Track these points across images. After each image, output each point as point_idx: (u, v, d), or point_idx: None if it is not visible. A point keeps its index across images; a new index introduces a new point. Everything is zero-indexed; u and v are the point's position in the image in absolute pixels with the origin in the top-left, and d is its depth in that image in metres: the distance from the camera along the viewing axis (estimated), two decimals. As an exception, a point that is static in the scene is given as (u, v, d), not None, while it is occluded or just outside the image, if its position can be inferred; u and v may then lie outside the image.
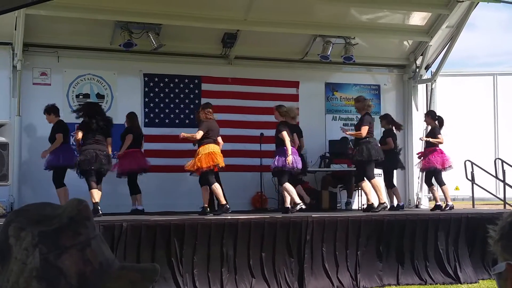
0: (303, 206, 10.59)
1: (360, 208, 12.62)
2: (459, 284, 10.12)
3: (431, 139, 11.95)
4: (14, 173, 11.04)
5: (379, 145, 11.54)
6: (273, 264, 9.37)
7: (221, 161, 10.39)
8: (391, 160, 12.10)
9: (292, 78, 13.71)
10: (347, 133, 11.87)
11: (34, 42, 11.82)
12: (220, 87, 13.15)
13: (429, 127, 12.52)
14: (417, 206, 13.87)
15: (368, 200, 11.28)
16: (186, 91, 13.02)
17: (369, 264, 9.95)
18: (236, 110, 13.21)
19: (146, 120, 12.67)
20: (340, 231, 9.79)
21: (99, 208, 9.86)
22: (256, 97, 13.29)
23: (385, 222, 10.16)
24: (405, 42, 14.28)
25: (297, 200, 10.63)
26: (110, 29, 12.08)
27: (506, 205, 12.57)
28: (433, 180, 12.06)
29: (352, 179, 12.77)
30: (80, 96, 12.31)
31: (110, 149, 10.46)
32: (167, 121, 12.83)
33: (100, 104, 11.51)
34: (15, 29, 11.20)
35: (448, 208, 11.56)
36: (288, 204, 10.64)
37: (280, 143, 10.74)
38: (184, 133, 10.62)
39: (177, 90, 12.96)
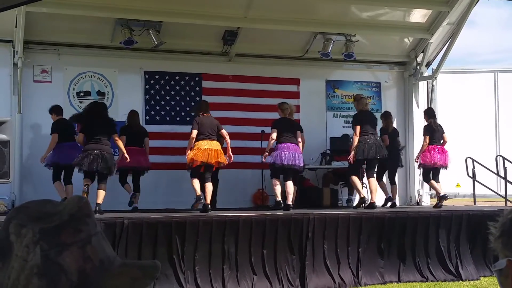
0: (281, 205, 10.68)
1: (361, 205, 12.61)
2: (461, 281, 10.12)
3: (420, 151, 12.03)
4: (15, 171, 11.05)
5: (381, 142, 11.51)
6: (274, 261, 9.38)
7: (212, 158, 10.24)
8: (393, 158, 12.12)
9: (293, 75, 13.70)
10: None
11: (35, 39, 11.82)
12: (220, 85, 13.15)
13: None
14: (418, 203, 13.87)
15: (371, 197, 11.33)
16: (187, 88, 13.02)
17: (371, 261, 9.96)
18: (237, 108, 13.21)
19: (147, 118, 12.68)
20: (342, 228, 9.80)
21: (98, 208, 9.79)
22: (257, 95, 13.29)
23: (387, 219, 10.16)
24: (406, 39, 14.27)
25: (278, 197, 10.83)
26: (110, 27, 12.08)
27: (507, 202, 12.57)
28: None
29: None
30: (81, 94, 12.32)
31: (120, 145, 10.40)
32: (168, 118, 12.84)
33: (99, 102, 11.46)
34: (16, 27, 11.20)
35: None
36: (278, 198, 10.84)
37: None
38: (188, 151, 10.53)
39: (177, 88, 12.96)
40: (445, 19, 12.98)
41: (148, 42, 11.97)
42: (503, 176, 12.80)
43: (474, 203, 13.08)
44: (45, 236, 1.07)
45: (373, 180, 11.41)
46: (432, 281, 10.09)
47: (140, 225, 8.83)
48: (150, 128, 12.41)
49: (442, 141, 12.03)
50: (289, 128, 11.03)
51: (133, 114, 11.44)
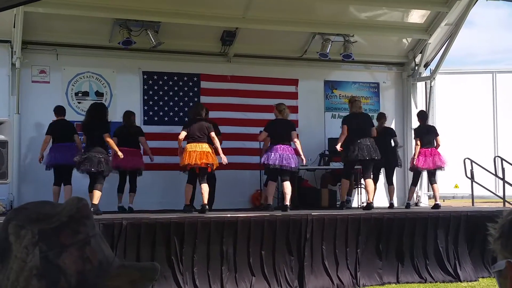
0: (269, 208, 10.75)
1: (359, 206, 12.63)
2: (459, 282, 10.13)
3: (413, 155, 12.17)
4: (14, 171, 11.04)
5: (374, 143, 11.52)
6: (273, 262, 9.38)
7: (197, 160, 10.28)
8: (388, 158, 12.14)
9: (291, 76, 13.71)
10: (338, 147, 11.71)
11: (33, 40, 11.82)
12: (219, 85, 13.15)
13: None
14: (416, 204, 13.87)
15: (368, 198, 11.36)
16: (185, 89, 13.03)
17: (369, 262, 9.96)
18: (235, 108, 13.22)
19: (145, 118, 12.68)
20: (340, 229, 9.80)
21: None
22: (255, 95, 13.30)
23: (385, 220, 10.17)
24: (404, 40, 14.28)
25: (269, 200, 10.95)
26: (109, 27, 12.08)
27: (506, 203, 12.58)
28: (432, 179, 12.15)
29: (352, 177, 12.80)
30: (79, 94, 12.32)
31: (112, 144, 10.43)
32: (166, 119, 12.84)
33: (97, 103, 11.43)
34: (14, 27, 11.19)
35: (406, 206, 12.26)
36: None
37: None
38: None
39: (176, 88, 12.97)
40: (443, 19, 12.99)
41: (146, 42, 11.97)
42: (501, 177, 12.81)
43: (473, 204, 13.08)
44: (44, 238, 1.07)
45: (370, 181, 11.44)
46: (430, 282, 10.09)
47: (138, 226, 8.83)
48: (148, 129, 12.43)
49: (435, 143, 12.04)
50: (282, 129, 11.04)
51: (125, 115, 11.43)
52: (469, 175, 12.96)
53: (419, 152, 11.98)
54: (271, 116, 11.47)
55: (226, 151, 12.57)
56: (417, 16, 13.32)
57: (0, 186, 10.58)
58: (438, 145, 12.02)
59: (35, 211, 1.11)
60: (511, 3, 15.35)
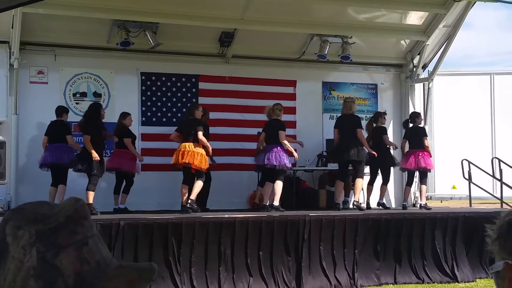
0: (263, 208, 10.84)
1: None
2: (457, 283, 10.13)
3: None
4: (11, 172, 11.05)
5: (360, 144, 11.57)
6: (270, 263, 9.38)
7: (179, 159, 10.34)
8: (386, 158, 12.15)
9: (289, 77, 13.71)
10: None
11: (31, 40, 11.80)
12: (217, 86, 13.15)
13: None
14: (414, 205, 13.87)
15: (354, 197, 11.62)
16: (183, 90, 13.02)
17: (367, 263, 9.97)
18: (234, 109, 13.22)
19: (143, 119, 12.67)
20: (338, 230, 9.80)
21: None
22: (254, 96, 13.29)
23: (383, 221, 10.17)
24: (402, 42, 14.28)
25: (265, 200, 11.01)
26: (107, 28, 12.07)
27: (503, 204, 12.59)
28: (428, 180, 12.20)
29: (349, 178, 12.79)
30: (77, 95, 12.31)
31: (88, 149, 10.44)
32: (164, 120, 12.83)
33: (92, 104, 11.39)
34: (12, 28, 11.18)
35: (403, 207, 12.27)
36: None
37: None
38: None
39: (174, 89, 12.96)
40: (441, 21, 13.00)
41: (144, 43, 11.96)
42: (499, 178, 12.82)
43: (470, 205, 13.09)
44: (42, 238, 1.07)
45: (358, 181, 11.50)
46: (428, 283, 10.10)
47: (136, 226, 8.82)
48: (147, 130, 12.46)
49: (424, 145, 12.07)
50: (272, 129, 11.14)
51: (120, 116, 11.44)
52: (466, 176, 12.97)
53: (407, 153, 12.09)
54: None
55: (224, 152, 12.61)
56: (415, 17, 13.33)
57: (-3, 186, 10.57)
58: (426, 147, 12.02)
59: (33, 212, 1.11)
60: (509, 5, 15.36)
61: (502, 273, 1.27)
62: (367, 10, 12.84)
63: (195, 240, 8.99)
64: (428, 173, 12.39)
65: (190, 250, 8.97)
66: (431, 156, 12.23)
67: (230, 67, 13.25)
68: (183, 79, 13.03)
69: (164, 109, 12.85)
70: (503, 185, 12.63)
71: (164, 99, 12.87)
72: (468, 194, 13.13)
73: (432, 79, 13.95)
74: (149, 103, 12.79)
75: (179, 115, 12.77)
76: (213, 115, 12.18)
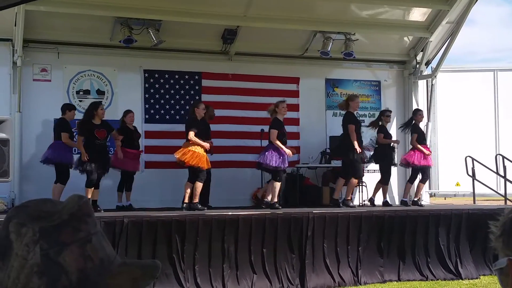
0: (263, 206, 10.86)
1: (361, 204, 12.64)
2: (460, 280, 10.13)
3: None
4: (15, 170, 11.05)
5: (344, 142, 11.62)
6: (274, 260, 9.38)
7: (176, 155, 10.47)
8: (387, 157, 12.17)
9: (293, 74, 13.70)
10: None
11: (34, 38, 11.81)
12: (220, 83, 13.15)
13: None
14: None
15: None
16: (187, 87, 13.02)
17: (370, 260, 9.97)
18: (237, 106, 13.21)
19: (147, 117, 12.68)
20: (341, 227, 9.80)
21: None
22: (257, 93, 13.28)
23: (386, 218, 10.16)
24: (405, 38, 14.26)
25: (265, 197, 11.04)
26: (110, 25, 12.07)
27: (507, 201, 12.57)
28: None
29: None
30: (81, 93, 12.32)
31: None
32: (167, 117, 12.83)
33: (91, 104, 11.35)
34: (15, 25, 11.19)
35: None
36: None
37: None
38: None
39: (177, 86, 12.96)
40: (444, 17, 12.97)
41: (147, 40, 11.96)
42: (502, 175, 12.80)
43: (474, 202, 13.08)
44: (45, 235, 1.07)
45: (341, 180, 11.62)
46: (431, 280, 10.10)
47: (139, 224, 8.83)
48: (150, 127, 12.47)
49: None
50: (269, 127, 11.20)
51: (123, 114, 11.45)
52: (470, 173, 12.96)
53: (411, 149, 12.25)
54: (272, 114, 11.46)
55: (227, 149, 12.63)
56: (418, 14, 13.30)
57: (1, 184, 10.57)
58: (414, 144, 12.09)
59: (36, 209, 1.11)
60: (513, 1, 15.32)
61: (505, 270, 1.27)
62: (370, 6, 12.82)
63: (199, 238, 9.00)
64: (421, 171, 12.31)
65: (194, 247, 8.98)
66: (423, 153, 12.14)
67: (233, 64, 13.25)
68: (186, 77, 13.03)
69: (167, 107, 12.86)
70: (507, 182, 12.61)
71: (167, 96, 12.87)
72: (472, 191, 13.12)
73: (435, 76, 13.92)
74: (152, 101, 12.79)
75: (182, 112, 12.78)
76: (216, 112, 12.18)
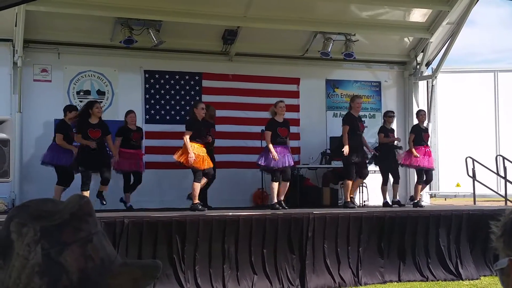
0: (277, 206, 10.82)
1: (361, 205, 12.64)
2: (461, 281, 10.13)
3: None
4: (16, 170, 11.09)
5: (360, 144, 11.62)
6: (274, 260, 9.38)
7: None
8: (389, 159, 12.17)
9: (293, 74, 13.70)
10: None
11: (35, 38, 11.81)
12: (220, 84, 13.15)
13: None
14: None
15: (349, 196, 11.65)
16: (187, 87, 13.02)
17: (371, 260, 9.96)
18: (237, 107, 13.21)
19: (147, 117, 12.68)
20: (342, 227, 9.80)
21: None
22: (257, 94, 13.28)
23: (387, 219, 10.16)
24: (406, 39, 14.26)
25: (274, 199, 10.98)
26: (110, 26, 12.08)
27: (507, 201, 12.57)
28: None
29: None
30: (81, 93, 12.32)
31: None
32: (168, 117, 12.84)
33: (86, 104, 11.24)
34: (15, 26, 11.19)
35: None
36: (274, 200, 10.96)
37: None
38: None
39: (177, 87, 12.96)
40: (445, 18, 12.97)
41: (148, 41, 11.96)
42: (503, 175, 12.80)
43: (474, 203, 13.08)
44: (46, 235, 1.07)
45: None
46: (432, 280, 10.09)
47: (140, 224, 8.83)
48: (150, 128, 12.46)
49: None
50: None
51: (125, 114, 11.42)
52: (470, 174, 12.96)
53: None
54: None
55: (228, 150, 12.63)
56: (418, 15, 13.30)
57: (2, 184, 10.61)
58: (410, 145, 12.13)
59: (37, 209, 1.11)
60: (513, 1, 15.33)
61: (506, 270, 1.27)
62: (370, 7, 12.82)
63: (199, 238, 8.99)
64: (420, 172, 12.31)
65: (194, 248, 8.98)
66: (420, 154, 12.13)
67: (234, 65, 13.25)
68: (187, 77, 13.03)
69: (167, 107, 12.86)
70: (507, 183, 12.61)
71: (167, 97, 12.88)
72: (472, 191, 13.12)
73: (435, 77, 13.92)
74: (152, 101, 12.79)
75: (182, 113, 12.78)
76: (216, 113, 12.17)
